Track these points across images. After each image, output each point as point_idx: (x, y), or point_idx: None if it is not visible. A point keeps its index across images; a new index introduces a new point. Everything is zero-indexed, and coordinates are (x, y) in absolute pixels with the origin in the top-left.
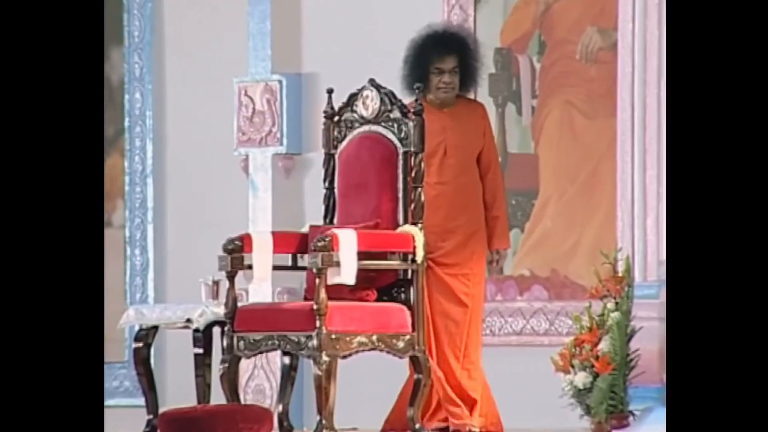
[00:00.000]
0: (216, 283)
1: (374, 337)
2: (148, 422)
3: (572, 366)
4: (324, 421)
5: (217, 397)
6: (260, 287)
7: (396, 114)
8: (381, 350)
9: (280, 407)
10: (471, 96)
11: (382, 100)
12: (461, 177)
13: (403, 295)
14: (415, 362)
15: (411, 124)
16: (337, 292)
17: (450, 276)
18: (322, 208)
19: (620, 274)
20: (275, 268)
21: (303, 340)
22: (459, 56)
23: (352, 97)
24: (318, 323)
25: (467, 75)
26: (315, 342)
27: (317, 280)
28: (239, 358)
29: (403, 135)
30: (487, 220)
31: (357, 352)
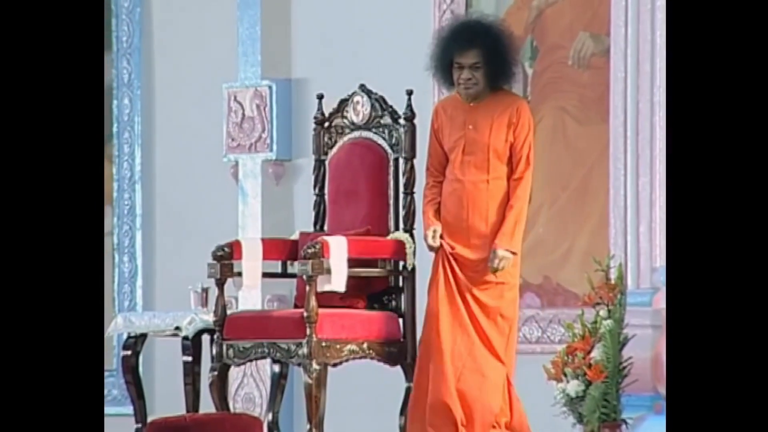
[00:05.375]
0: (205, 290)
1: (365, 345)
2: (137, 431)
3: (564, 374)
4: (314, 430)
5: (206, 405)
6: (250, 294)
7: (387, 120)
8: (371, 358)
9: (270, 416)
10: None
11: (372, 105)
12: (479, 175)
13: (393, 303)
14: (406, 370)
15: (402, 129)
16: (327, 299)
17: (470, 280)
18: (312, 214)
19: (613, 282)
20: (265, 275)
21: (293, 347)
22: (482, 51)
23: (343, 103)
24: (308, 331)
25: (496, 70)
26: (305, 350)
27: (307, 288)
28: (228, 366)
29: (394, 141)
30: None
31: (347, 360)
